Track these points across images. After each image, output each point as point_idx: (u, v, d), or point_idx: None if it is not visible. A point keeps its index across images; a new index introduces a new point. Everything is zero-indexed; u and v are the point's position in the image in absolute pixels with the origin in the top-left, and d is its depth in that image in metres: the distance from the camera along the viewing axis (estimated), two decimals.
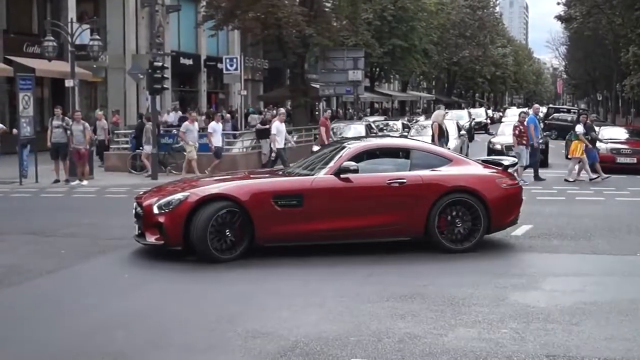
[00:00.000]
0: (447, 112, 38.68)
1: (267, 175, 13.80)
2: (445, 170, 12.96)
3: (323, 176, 12.39)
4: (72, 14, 41.51)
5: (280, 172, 14.31)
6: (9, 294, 10.41)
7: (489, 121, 67.81)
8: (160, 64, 29.94)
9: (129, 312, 9.28)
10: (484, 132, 55.69)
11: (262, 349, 7.68)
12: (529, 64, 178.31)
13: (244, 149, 33.70)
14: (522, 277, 10.96)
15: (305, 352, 7.58)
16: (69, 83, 31.56)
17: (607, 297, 9.82)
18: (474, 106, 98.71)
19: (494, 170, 13.50)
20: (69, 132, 25.99)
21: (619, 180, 25.10)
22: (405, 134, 36.00)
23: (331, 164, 12.58)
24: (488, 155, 32.54)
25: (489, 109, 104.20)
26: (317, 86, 53.89)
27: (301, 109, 50.34)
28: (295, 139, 34.67)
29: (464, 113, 58.14)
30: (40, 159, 26.21)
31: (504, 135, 35.25)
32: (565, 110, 73.54)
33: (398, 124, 42.80)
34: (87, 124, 27.06)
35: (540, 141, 28.87)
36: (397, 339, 7.96)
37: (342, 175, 12.31)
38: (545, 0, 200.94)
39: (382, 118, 54.79)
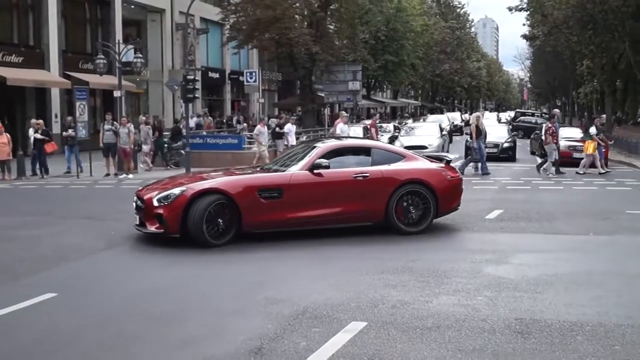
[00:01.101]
0: (482, 114, 38.70)
1: (249, 171, 13.48)
2: (400, 165, 12.91)
3: (299, 172, 12.28)
4: (119, 36, 41.70)
5: (259, 168, 14.00)
6: (72, 267, 10.46)
7: (463, 124, 67.53)
8: (192, 77, 29.93)
9: (166, 284, 9.30)
10: (459, 133, 55.53)
11: (279, 312, 7.70)
12: (500, 75, 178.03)
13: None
14: (495, 254, 10.95)
15: (314, 315, 7.60)
16: (116, 94, 31.58)
17: (566, 269, 9.81)
18: (453, 111, 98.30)
19: (440, 165, 13.47)
20: (117, 134, 26.22)
21: (576, 173, 25.01)
22: (397, 134, 36.03)
23: (305, 161, 12.49)
24: (466, 151, 32.67)
25: (465, 113, 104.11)
26: (323, 95, 53.96)
27: (309, 114, 50.50)
28: (304, 138, 34.70)
29: (444, 117, 57.99)
30: (93, 156, 26.34)
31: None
32: (530, 114, 73.70)
33: (390, 126, 42.82)
34: (132, 127, 27.23)
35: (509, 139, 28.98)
36: (391, 305, 7.97)
37: (315, 171, 12.23)
38: (513, 22, 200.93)
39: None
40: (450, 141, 41.30)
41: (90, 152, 26.24)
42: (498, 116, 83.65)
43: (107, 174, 26.03)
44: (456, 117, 70.16)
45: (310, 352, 6.43)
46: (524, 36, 67.92)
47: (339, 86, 49.66)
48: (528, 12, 60.45)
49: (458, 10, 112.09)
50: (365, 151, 13.24)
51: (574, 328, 7.13)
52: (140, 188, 12.97)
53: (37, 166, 26.03)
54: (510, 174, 25.04)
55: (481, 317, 7.49)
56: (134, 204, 12.32)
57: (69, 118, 28.71)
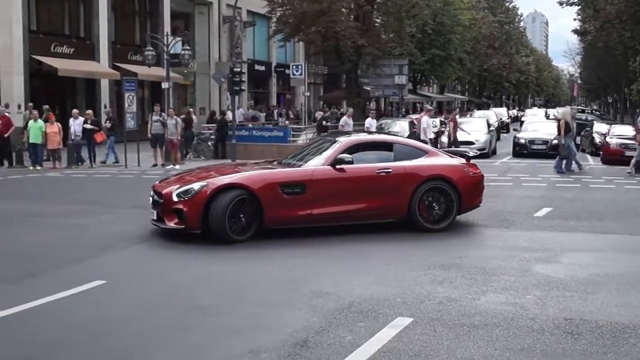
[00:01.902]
0: (572, 109, 38.25)
1: (269, 166, 13.08)
2: (423, 161, 12.71)
3: (321, 167, 12.06)
4: (167, 28, 42.00)
5: (276, 163, 13.54)
6: (119, 256, 10.58)
7: (509, 120, 66.72)
8: (238, 69, 30.12)
9: (209, 275, 9.32)
10: (505, 131, 54.61)
11: (324, 306, 7.67)
12: (549, 71, 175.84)
13: (307, 140, 33.74)
14: (544, 252, 10.81)
15: (359, 310, 7.55)
16: (164, 85, 31.79)
17: (617, 270, 9.65)
18: (500, 106, 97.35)
19: (462, 161, 13.30)
20: (164, 125, 26.43)
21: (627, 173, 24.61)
22: (443, 129, 35.79)
23: (327, 156, 12.26)
24: (514, 147, 32.38)
25: (513, 109, 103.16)
26: (368, 88, 53.79)
27: (355, 108, 50.29)
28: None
29: (491, 113, 57.18)
30: (141, 147, 26.62)
31: (527, 131, 34.98)
32: (580, 110, 72.65)
33: (436, 121, 42.48)
34: (178, 119, 27.43)
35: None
36: (437, 301, 7.91)
37: (337, 166, 12.02)
38: (563, 16, 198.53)
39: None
40: (498, 138, 40.83)
41: (139, 142, 26.51)
42: (546, 112, 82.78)
43: (155, 165, 26.29)
44: (502, 112, 69.32)
45: (355, 347, 6.40)
46: (575, 31, 66.94)
47: (385, 80, 49.39)
48: (579, 7, 59.56)
49: (507, 4, 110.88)
50: (387, 146, 13.04)
51: (626, 330, 6.99)
52: (157, 182, 12.81)
53: (87, 155, 26.37)
54: (565, 172, 24.69)
55: (530, 316, 7.39)
56: (151, 198, 12.06)
57: (89, 112, 28.71)
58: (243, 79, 31.25)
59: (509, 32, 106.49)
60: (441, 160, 13.04)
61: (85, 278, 8.79)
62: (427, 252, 10.69)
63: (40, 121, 25.44)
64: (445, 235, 12.12)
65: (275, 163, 13.44)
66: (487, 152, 31.32)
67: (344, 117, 29.97)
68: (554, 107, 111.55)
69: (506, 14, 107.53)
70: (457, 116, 32.82)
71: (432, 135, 27.13)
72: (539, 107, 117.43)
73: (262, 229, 11.53)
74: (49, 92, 36.37)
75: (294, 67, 44.16)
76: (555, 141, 31.96)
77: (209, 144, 30.65)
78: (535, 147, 32.26)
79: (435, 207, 12.47)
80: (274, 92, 60.13)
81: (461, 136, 30.98)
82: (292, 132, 33.27)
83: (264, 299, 8.04)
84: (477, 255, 10.62)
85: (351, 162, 12.09)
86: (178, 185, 11.64)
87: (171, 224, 11.43)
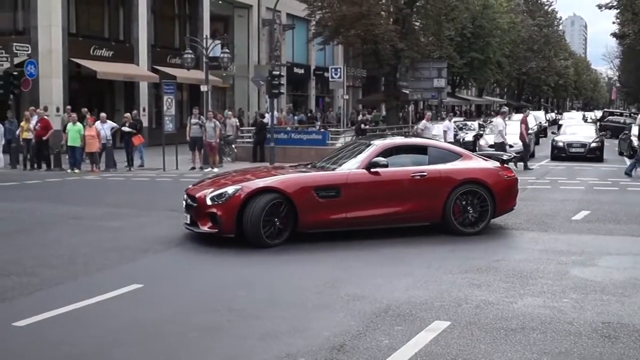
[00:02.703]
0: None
1: (303, 169, 12.88)
2: (457, 165, 12.63)
3: (356, 170, 11.98)
4: (206, 31, 42.24)
5: (310, 166, 13.36)
6: (156, 259, 10.66)
7: (547, 124, 66.01)
8: (277, 72, 30.24)
9: (245, 279, 9.33)
10: (543, 135, 53.74)
11: (361, 309, 7.67)
12: (587, 74, 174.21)
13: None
14: (581, 255, 10.72)
15: (396, 313, 7.54)
16: (203, 88, 32.02)
17: None
18: (539, 109, 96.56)
19: (496, 164, 13.19)
20: (203, 128, 26.56)
21: None
22: (481, 132, 35.61)
23: (362, 159, 12.18)
24: (552, 151, 32.09)
25: (551, 112, 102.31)
26: (407, 92, 53.71)
27: (393, 111, 50.28)
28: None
29: (530, 117, 56.28)
30: (179, 150, 26.76)
31: (565, 134, 34.70)
32: (618, 113, 71.88)
33: (475, 124, 42.29)
34: (217, 122, 27.53)
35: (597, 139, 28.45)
36: (475, 305, 7.87)
37: (372, 170, 11.93)
38: (602, 20, 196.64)
39: (461, 119, 54.01)
40: (537, 142, 40.42)
41: (177, 145, 26.64)
42: (584, 115, 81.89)
43: (193, 167, 26.43)
44: (540, 116, 68.72)
45: (393, 351, 6.38)
46: (614, 34, 66.28)
47: (424, 83, 49.30)
48: (618, 10, 58.97)
49: (546, 7, 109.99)
50: (421, 150, 12.93)
51: None
52: (189, 186, 12.72)
53: (123, 158, 26.60)
54: (598, 174, 24.49)
55: (567, 320, 7.33)
56: (184, 202, 12.02)
57: (127, 115, 28.70)
58: (282, 82, 31.38)
59: (548, 35, 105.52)
60: (476, 163, 12.96)
61: (124, 281, 8.87)
62: (465, 256, 10.66)
63: (79, 124, 25.62)
64: (483, 239, 12.07)
65: (309, 166, 13.35)
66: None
67: (423, 121, 29.50)
68: (591, 110, 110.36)
69: (545, 18, 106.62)
70: (527, 117, 31.66)
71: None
72: (577, 110, 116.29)
73: (296, 233, 11.48)
74: (87, 95, 36.80)
75: (333, 70, 44.16)
76: (593, 144, 31.77)
77: (233, 146, 30.73)
78: (573, 150, 31.97)
79: (470, 210, 12.39)
80: (312, 95, 60.27)
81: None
82: (331, 135, 33.25)
83: (301, 303, 8.05)
84: (515, 258, 10.56)
85: (386, 166, 12.04)
86: (212, 189, 11.56)
87: (205, 228, 11.38)
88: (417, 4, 47.57)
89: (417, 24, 49.73)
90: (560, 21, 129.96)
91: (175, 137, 27.10)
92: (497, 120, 26.54)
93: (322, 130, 39.25)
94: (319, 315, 7.54)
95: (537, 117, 56.70)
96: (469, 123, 43.70)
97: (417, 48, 46.70)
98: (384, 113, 41.76)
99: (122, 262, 10.28)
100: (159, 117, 31.73)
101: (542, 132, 52.25)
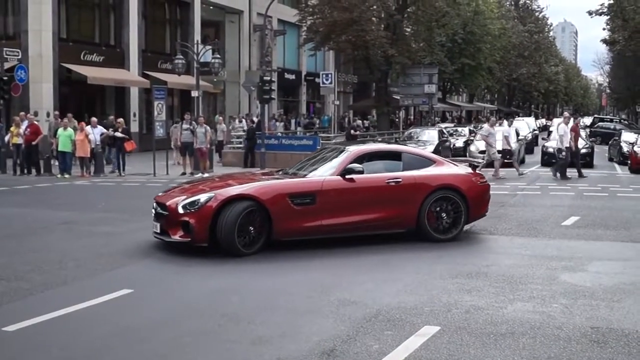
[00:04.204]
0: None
1: (276, 176, 12.65)
2: (431, 171, 12.53)
3: (331, 177, 11.77)
4: (197, 37, 42.31)
5: (281, 172, 13.15)
6: (147, 264, 10.65)
7: (538, 131, 66.04)
8: (268, 78, 30.28)
9: (237, 283, 9.37)
10: (535, 143, 53.51)
11: (351, 315, 7.69)
12: (578, 80, 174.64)
13: None
14: (571, 261, 10.76)
15: (386, 318, 7.57)
16: (194, 94, 32.08)
17: None
18: (529, 115, 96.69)
19: (469, 170, 13.24)
20: (194, 133, 26.59)
21: None
22: (472, 138, 35.70)
23: (337, 165, 12.02)
24: (542, 156, 32.19)
25: (542, 118, 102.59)
26: (398, 97, 53.81)
27: (384, 117, 50.41)
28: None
29: (523, 123, 55.85)
30: (170, 155, 26.76)
31: (555, 140, 34.73)
32: (608, 120, 72.15)
33: (465, 130, 42.38)
34: (208, 127, 27.58)
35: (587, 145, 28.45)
36: (464, 310, 7.91)
37: (347, 176, 11.75)
38: (593, 26, 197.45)
39: (452, 125, 54.11)
40: (532, 151, 40.38)
41: (168, 151, 26.64)
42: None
43: (184, 173, 26.43)
44: (530, 122, 68.91)
45: (382, 355, 6.41)
46: (604, 41, 66.52)
47: (415, 89, 49.42)
48: (608, 17, 59.19)
49: (537, 14, 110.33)
50: (395, 156, 12.79)
51: None
52: (159, 194, 12.49)
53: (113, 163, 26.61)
54: (588, 180, 24.54)
55: (556, 325, 7.37)
56: (153, 211, 11.66)
57: (120, 120, 28.66)
58: (273, 88, 31.38)
59: (539, 41, 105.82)
60: (449, 169, 12.92)
61: (114, 286, 8.88)
62: (454, 261, 10.69)
63: (69, 129, 25.59)
64: (472, 244, 12.12)
65: (280, 173, 13.15)
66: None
67: (486, 126, 27.83)
68: (582, 116, 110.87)
69: (536, 24, 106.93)
70: (578, 125, 30.52)
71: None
72: None
73: (271, 242, 11.30)
74: (78, 100, 36.76)
75: (324, 75, 44.23)
76: (583, 150, 31.81)
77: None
78: (563, 156, 31.95)
79: (444, 216, 12.31)
80: (303, 100, 60.35)
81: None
82: (322, 141, 33.26)
83: (292, 308, 8.07)
84: (504, 263, 10.59)
85: (362, 172, 11.90)
86: (184, 197, 11.26)
87: (176, 237, 11.05)
88: (408, 10, 47.71)
89: (408, 29, 49.84)
90: (551, 27, 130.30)
91: (166, 143, 27.21)
92: (561, 126, 25.95)
93: (312, 135, 39.28)
94: (309, 320, 7.56)
95: (528, 124, 56.66)
96: (459, 129, 43.80)
97: (408, 54, 46.76)
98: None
99: (113, 267, 10.28)
100: (150, 123, 31.72)
101: (535, 140, 51.63)
